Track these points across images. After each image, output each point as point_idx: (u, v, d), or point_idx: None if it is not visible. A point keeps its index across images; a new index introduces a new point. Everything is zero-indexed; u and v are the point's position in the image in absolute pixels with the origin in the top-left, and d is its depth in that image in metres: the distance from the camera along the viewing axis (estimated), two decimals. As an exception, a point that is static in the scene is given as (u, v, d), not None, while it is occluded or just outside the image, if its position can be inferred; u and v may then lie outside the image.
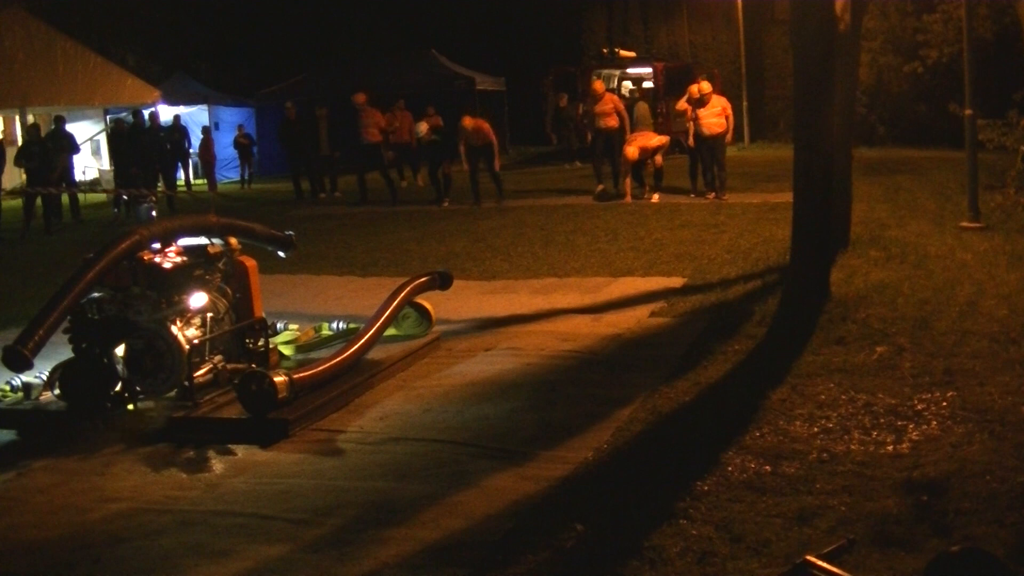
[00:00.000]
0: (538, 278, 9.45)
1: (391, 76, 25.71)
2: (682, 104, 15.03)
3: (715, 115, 14.39)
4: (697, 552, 3.66)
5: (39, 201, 16.47)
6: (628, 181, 14.92)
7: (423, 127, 15.80)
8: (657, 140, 15.01)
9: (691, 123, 14.62)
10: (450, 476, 4.64)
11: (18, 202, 17.10)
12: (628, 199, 14.75)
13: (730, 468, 4.46)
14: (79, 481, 4.91)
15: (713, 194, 14.38)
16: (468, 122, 15.30)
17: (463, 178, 15.79)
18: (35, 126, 17.88)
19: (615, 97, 16.80)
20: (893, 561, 3.50)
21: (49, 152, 16.68)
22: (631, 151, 14.60)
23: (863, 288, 7.76)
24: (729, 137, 14.77)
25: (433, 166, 16.23)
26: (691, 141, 14.72)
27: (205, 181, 23.25)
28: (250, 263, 6.49)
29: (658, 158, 14.94)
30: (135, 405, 5.78)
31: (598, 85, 16.27)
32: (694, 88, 14.78)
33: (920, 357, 5.97)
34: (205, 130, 23.43)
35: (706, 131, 14.36)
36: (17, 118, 21.41)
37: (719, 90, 24.76)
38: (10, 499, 4.76)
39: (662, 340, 6.93)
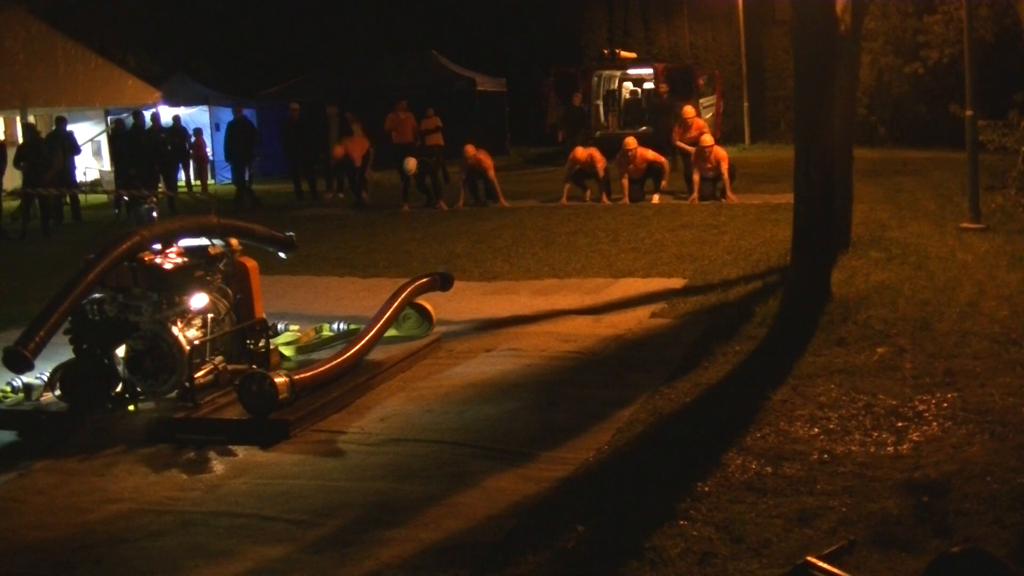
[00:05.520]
0: (539, 279, 9.45)
1: (392, 77, 25.73)
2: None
3: (695, 137, 15.19)
4: (698, 553, 3.66)
5: (36, 202, 16.47)
6: (625, 181, 15.00)
7: (411, 164, 15.83)
8: (654, 156, 15.23)
9: (681, 144, 15.67)
10: (451, 477, 4.64)
11: (18, 202, 17.10)
12: (625, 199, 14.83)
13: (731, 469, 4.46)
14: (80, 482, 4.91)
15: (696, 196, 14.53)
16: (471, 150, 15.62)
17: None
18: (31, 126, 17.85)
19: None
20: (894, 562, 3.50)
21: (44, 153, 16.67)
22: (631, 143, 15.07)
23: (864, 289, 7.76)
24: (709, 138, 14.92)
25: (420, 178, 16.32)
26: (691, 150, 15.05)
27: (199, 182, 23.26)
28: (251, 264, 6.49)
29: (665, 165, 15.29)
30: (136, 406, 5.78)
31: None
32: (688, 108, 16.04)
33: (921, 358, 5.97)
34: (197, 132, 23.45)
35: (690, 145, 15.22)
36: (18, 119, 21.41)
37: (719, 91, 24.98)
38: (11, 500, 4.75)
39: (663, 341, 6.93)
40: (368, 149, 17.47)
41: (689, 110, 16.07)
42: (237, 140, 19.52)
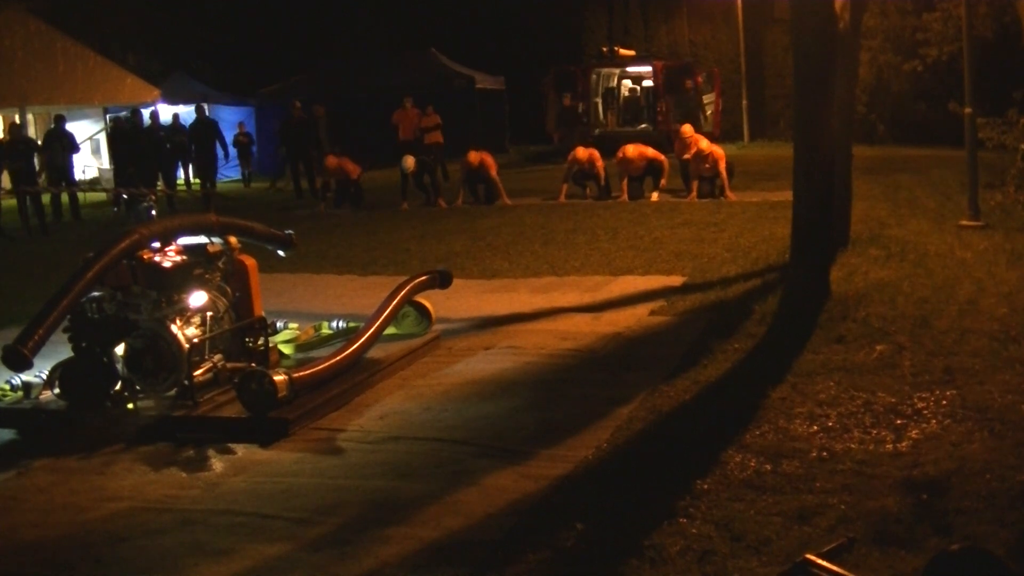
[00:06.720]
0: (538, 277, 9.45)
1: (391, 75, 25.71)
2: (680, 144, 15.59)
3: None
4: (697, 551, 3.66)
5: (29, 200, 16.41)
6: (625, 182, 15.04)
7: (409, 162, 15.78)
8: (654, 154, 15.20)
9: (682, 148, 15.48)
10: (450, 475, 4.64)
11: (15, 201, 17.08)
12: (624, 197, 14.85)
13: (730, 467, 4.46)
14: (79, 480, 4.91)
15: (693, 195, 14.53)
16: (474, 158, 15.50)
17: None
18: (17, 124, 17.79)
19: None
20: (893, 560, 3.50)
21: (33, 151, 16.61)
22: (631, 151, 15.03)
23: (863, 287, 7.76)
24: (705, 144, 14.85)
25: (419, 177, 16.29)
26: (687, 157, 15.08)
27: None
28: (250, 262, 6.49)
29: (665, 165, 15.25)
30: (135, 404, 5.78)
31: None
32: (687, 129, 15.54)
33: (920, 355, 5.97)
34: None
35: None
36: (17, 117, 21.41)
37: (718, 88, 25.00)
38: (10, 498, 4.75)
39: (662, 339, 6.93)
40: (361, 173, 17.21)
41: (687, 129, 15.45)
42: (199, 141, 19.41)
